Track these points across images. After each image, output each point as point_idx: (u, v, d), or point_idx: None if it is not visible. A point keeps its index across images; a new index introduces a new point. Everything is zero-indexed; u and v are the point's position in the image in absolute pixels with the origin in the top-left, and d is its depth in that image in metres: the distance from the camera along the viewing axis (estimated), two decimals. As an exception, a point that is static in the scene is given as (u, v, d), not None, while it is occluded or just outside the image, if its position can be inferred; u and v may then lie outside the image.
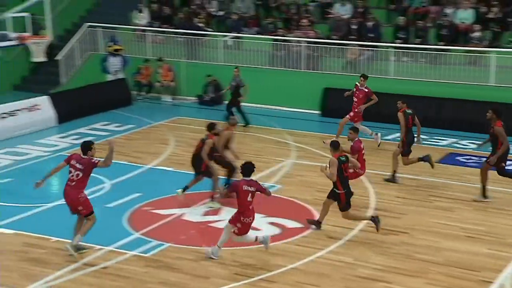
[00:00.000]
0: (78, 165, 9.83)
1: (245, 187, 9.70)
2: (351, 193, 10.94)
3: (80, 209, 9.99)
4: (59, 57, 21.96)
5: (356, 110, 15.77)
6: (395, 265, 9.97)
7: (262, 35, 21.16)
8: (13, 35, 15.60)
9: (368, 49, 19.64)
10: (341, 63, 19.90)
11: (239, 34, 21.41)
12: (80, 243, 10.02)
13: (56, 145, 16.21)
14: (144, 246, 10.46)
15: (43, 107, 17.97)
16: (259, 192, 9.85)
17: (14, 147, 16.00)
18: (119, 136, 17.06)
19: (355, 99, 15.90)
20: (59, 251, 10.25)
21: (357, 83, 15.98)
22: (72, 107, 18.70)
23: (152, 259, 10.02)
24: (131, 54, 21.66)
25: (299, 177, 13.52)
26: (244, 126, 17.57)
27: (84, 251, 10.07)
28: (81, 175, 9.84)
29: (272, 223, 11.42)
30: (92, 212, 10.06)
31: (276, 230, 11.18)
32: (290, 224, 11.41)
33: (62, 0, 23.64)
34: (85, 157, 9.86)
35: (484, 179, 12.53)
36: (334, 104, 18.92)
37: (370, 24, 20.36)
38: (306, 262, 10.04)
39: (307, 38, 20.30)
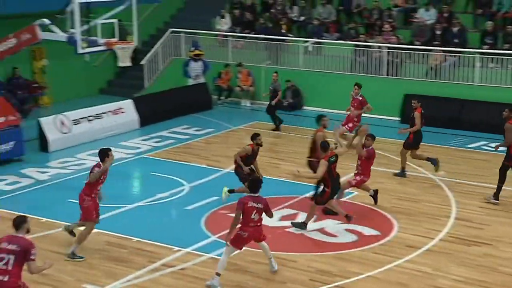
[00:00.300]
0: (92, 169, 10.14)
1: (251, 203, 9.20)
2: (335, 193, 11.33)
3: (81, 212, 10.21)
4: (143, 61, 22.57)
5: (355, 119, 15.78)
6: (477, 278, 9.63)
7: (343, 40, 21.01)
8: (101, 41, 16.10)
9: (453, 55, 19.14)
10: (423, 69, 19.48)
11: (320, 39, 21.34)
12: (75, 252, 10.12)
13: (138, 148, 16.62)
14: (221, 249, 10.50)
15: (127, 111, 18.45)
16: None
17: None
18: (198, 140, 17.34)
19: (352, 109, 15.91)
20: (140, 251, 10.52)
21: (351, 92, 15.99)
22: (154, 111, 19.14)
23: (228, 262, 10.08)
24: (213, 59, 21.97)
25: (378, 184, 13.28)
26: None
27: (79, 259, 10.09)
28: (88, 177, 10.15)
29: (348, 230, 11.30)
30: (86, 221, 10.18)
31: (353, 237, 11.07)
32: (367, 231, 11.25)
33: (148, 6, 24.31)
34: (100, 163, 10.09)
35: None
36: (415, 111, 18.55)
37: (455, 29, 19.82)
38: (383, 270, 9.85)
39: (389, 43, 19.99)
